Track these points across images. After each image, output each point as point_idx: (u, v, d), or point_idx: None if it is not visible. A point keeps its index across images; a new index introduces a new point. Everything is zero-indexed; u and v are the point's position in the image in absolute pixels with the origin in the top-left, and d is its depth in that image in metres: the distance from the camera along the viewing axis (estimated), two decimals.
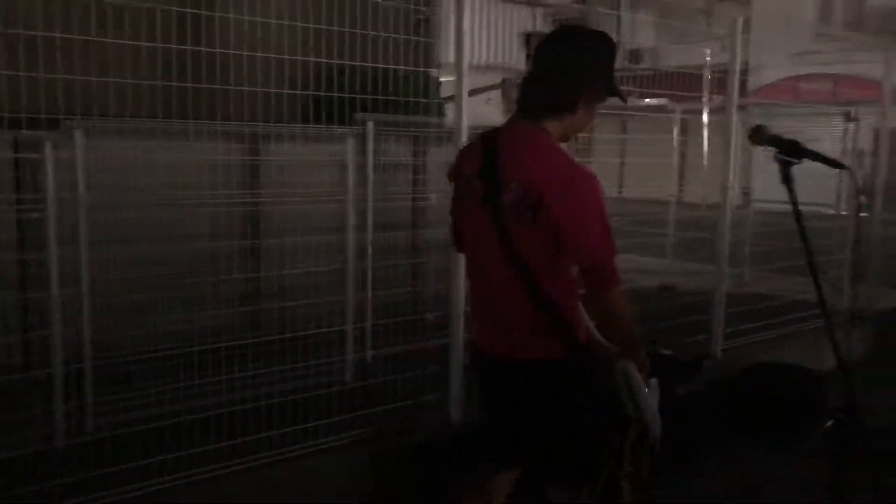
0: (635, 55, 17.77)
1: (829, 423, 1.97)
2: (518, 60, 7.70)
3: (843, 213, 6.94)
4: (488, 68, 7.39)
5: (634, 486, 2.35)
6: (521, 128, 2.33)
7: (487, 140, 2.39)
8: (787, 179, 2.03)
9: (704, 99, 8.23)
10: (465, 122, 3.63)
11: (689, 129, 9.32)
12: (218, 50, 3.69)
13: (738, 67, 5.22)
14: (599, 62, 2.33)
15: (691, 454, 4.05)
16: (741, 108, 8.27)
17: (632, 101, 9.78)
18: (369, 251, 4.52)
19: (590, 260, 2.23)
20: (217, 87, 3.73)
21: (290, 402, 3.52)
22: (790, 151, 2.04)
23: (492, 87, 8.06)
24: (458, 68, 3.64)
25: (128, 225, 3.92)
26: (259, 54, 3.81)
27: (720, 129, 7.73)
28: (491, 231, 2.30)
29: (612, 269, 2.22)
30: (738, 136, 5.73)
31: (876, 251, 6.75)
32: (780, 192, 2.05)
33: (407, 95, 4.50)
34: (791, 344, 5.42)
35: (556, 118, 2.29)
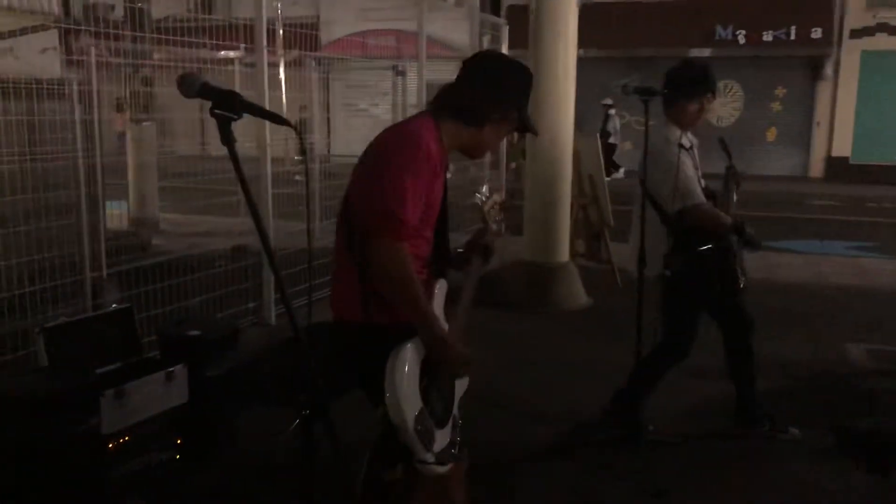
0: (207, 4, 17.12)
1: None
2: (53, 5, 6.73)
3: None
4: (27, 12, 6.33)
5: None
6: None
7: None
8: (227, 139, 1.72)
9: (280, 52, 8.12)
10: None
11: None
12: None
13: (265, 16, 5.24)
14: (515, 89, 2.38)
15: (230, 434, 3.81)
16: (315, 61, 8.34)
17: (207, 53, 9.29)
18: None
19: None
20: None
21: None
22: (227, 105, 1.71)
23: (23, 32, 6.93)
24: None
25: None
26: None
27: (296, 83, 7.70)
28: None
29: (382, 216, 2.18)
30: (320, 91, 5.73)
31: None
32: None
33: None
34: None
35: (456, 123, 2.32)
